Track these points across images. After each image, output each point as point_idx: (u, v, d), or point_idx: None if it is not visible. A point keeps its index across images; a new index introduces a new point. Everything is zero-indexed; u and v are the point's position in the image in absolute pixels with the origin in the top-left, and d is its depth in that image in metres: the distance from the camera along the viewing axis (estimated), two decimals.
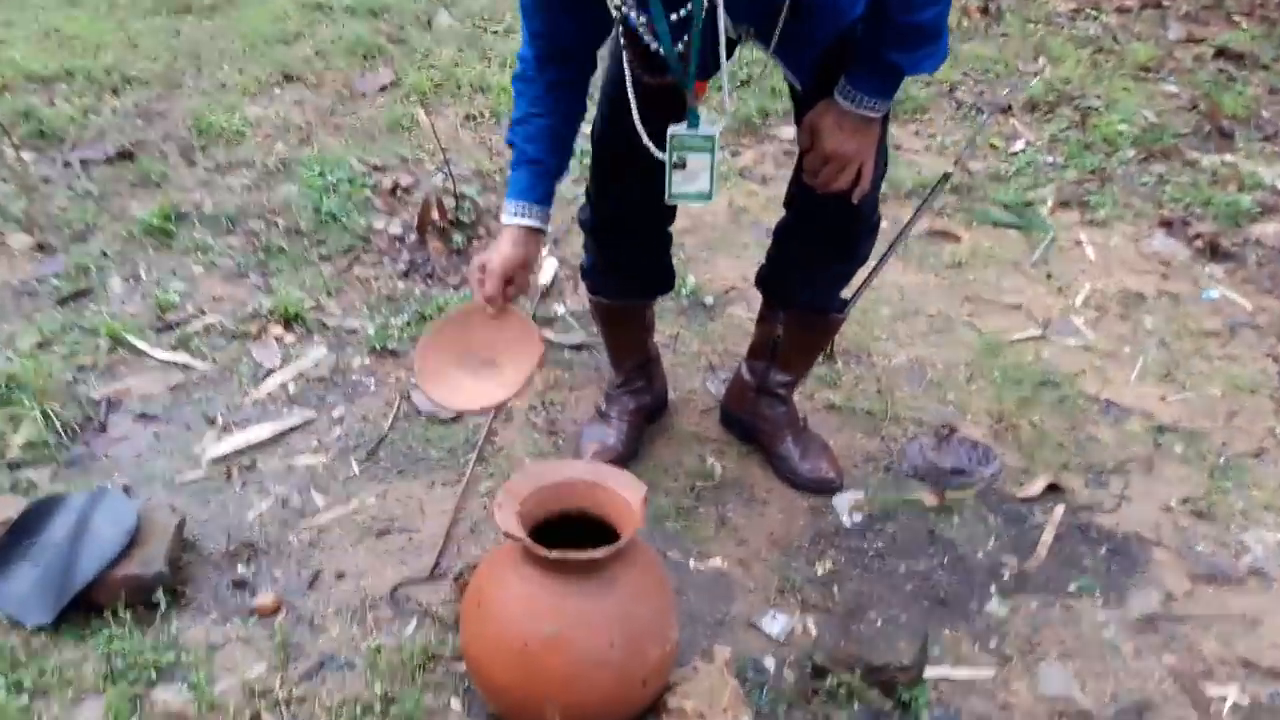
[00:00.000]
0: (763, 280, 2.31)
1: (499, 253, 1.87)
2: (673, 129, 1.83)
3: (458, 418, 2.59)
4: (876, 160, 1.86)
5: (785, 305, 2.28)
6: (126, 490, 2.32)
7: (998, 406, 2.71)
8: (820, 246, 2.08)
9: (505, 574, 1.72)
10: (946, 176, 1.99)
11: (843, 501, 2.39)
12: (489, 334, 1.91)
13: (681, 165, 1.85)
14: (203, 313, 2.93)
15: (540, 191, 1.92)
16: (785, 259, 2.21)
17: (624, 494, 1.78)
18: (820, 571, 2.21)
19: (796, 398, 2.48)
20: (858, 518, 2.35)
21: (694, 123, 1.82)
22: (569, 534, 1.87)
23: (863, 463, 2.51)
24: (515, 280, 1.89)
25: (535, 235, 1.90)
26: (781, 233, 2.19)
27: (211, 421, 2.56)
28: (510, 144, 1.93)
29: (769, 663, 2.00)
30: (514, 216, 1.90)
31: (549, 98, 1.88)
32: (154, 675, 1.89)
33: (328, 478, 2.41)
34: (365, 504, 2.33)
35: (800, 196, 2.02)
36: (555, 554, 1.65)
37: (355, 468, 2.44)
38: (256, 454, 2.47)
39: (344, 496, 2.35)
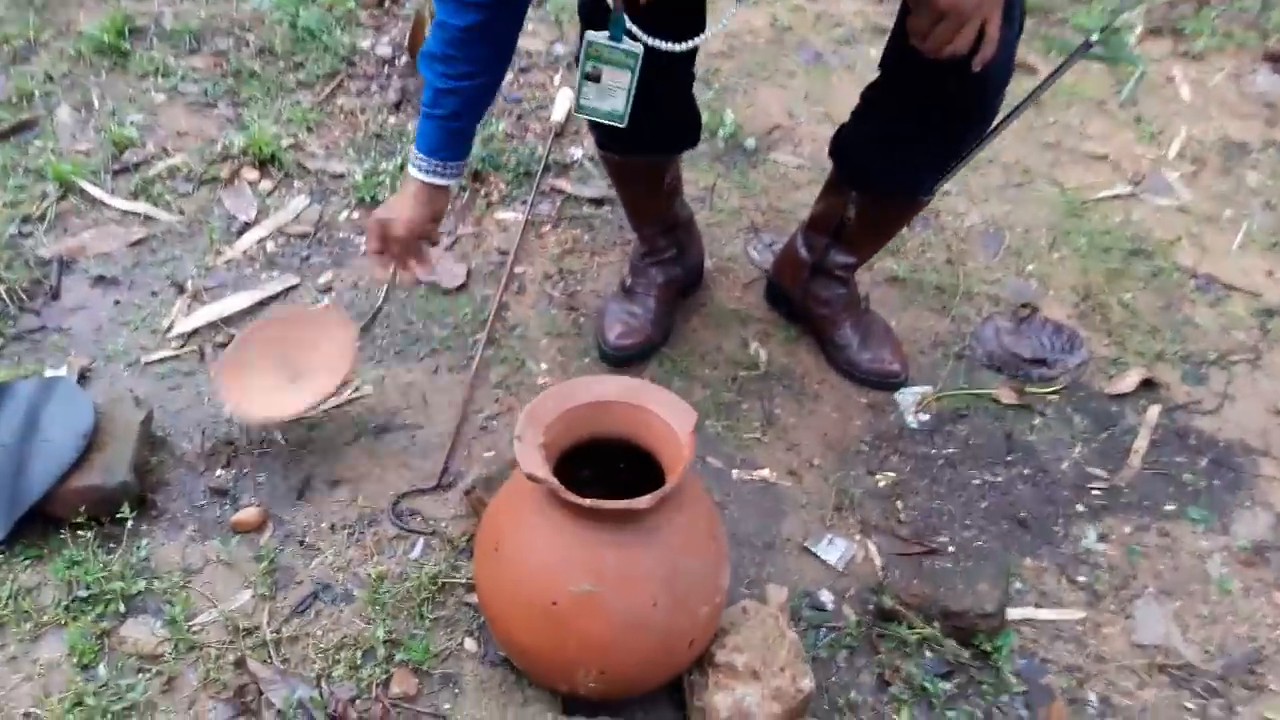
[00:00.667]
0: (840, 150, 1.90)
1: (404, 213, 1.69)
2: (591, 36, 1.53)
3: (463, 288, 2.25)
4: (1009, 12, 1.43)
5: (863, 186, 1.89)
6: (84, 375, 2.01)
7: (1084, 280, 2.36)
8: (920, 124, 1.66)
9: (529, 517, 1.43)
10: (1088, 44, 1.55)
11: (907, 398, 2.08)
12: (306, 336, 1.91)
13: (595, 79, 1.57)
14: (166, 152, 2.53)
15: (456, 149, 1.64)
16: (874, 133, 1.79)
17: (670, 421, 1.47)
18: (882, 483, 1.93)
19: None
20: (924, 417, 2.05)
21: (616, 35, 1.51)
22: (602, 459, 1.57)
23: (930, 348, 2.19)
24: (420, 239, 1.74)
25: (444, 192, 1.71)
26: (872, 100, 1.77)
27: (180, 287, 2.22)
28: (426, 81, 1.58)
29: (826, 598, 1.75)
30: (423, 173, 1.65)
31: (479, 62, 1.55)
32: (122, 607, 1.63)
33: None
34: (361, 392, 2.02)
35: (900, 60, 1.59)
36: (590, 503, 1.35)
37: None
38: (233, 328, 2.14)
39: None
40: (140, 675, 1.56)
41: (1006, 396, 2.09)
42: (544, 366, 2.09)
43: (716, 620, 1.51)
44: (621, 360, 2.08)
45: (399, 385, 2.04)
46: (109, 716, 1.50)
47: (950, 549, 1.82)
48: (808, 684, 1.51)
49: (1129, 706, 1.63)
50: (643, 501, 1.35)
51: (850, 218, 1.94)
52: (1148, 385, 2.13)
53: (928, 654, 1.65)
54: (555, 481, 1.36)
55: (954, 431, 2.03)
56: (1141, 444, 2.02)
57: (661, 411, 1.48)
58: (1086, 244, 2.44)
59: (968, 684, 1.63)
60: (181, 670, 1.57)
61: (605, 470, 1.62)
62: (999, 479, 1.95)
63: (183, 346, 2.09)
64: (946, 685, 1.63)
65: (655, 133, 1.83)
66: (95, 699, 1.51)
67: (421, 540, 1.77)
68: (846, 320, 2.09)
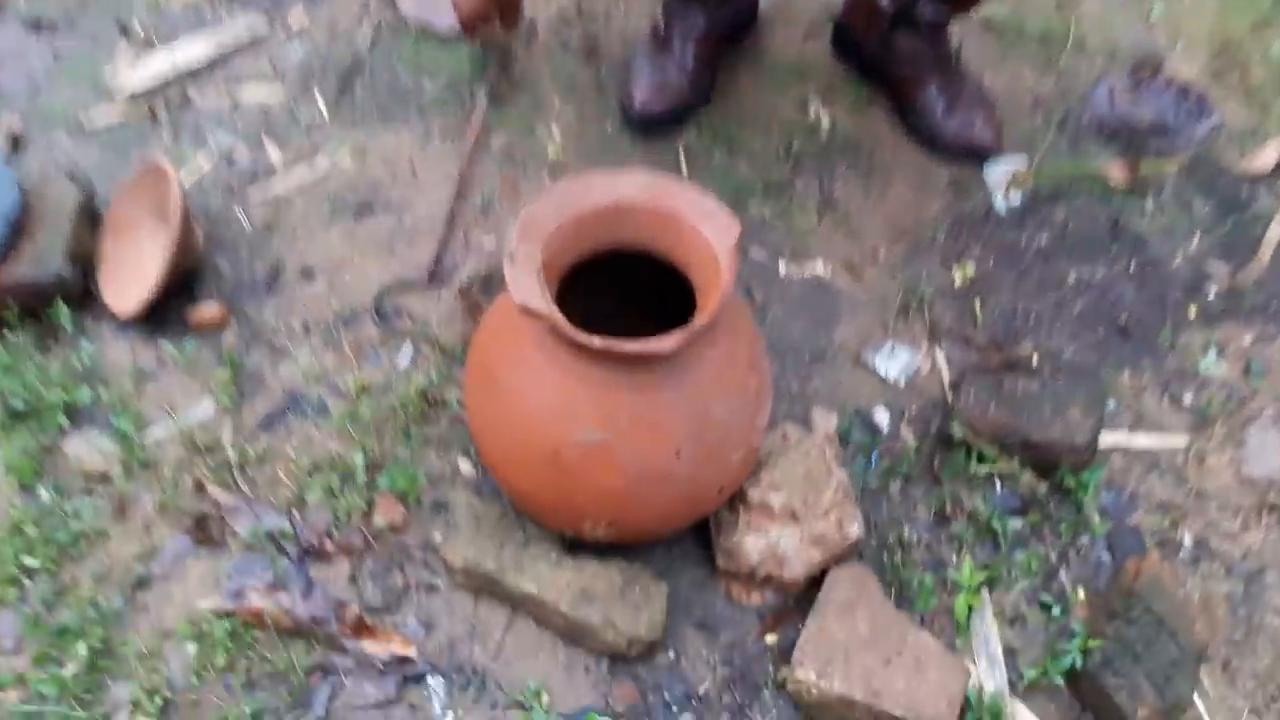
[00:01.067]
0: None
1: None
2: None
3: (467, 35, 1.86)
4: None
5: None
6: (16, 141, 1.71)
7: (1222, 29, 1.91)
8: None
9: (526, 350, 1.15)
10: None
11: (997, 174, 1.72)
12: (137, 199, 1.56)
13: None
14: None
15: None
16: None
17: (707, 234, 1.15)
18: (959, 280, 1.61)
19: None
20: (1016, 198, 1.70)
21: None
22: (618, 266, 1.27)
23: (1029, 112, 1.80)
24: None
25: None
26: None
27: (127, 31, 1.86)
28: None
29: (882, 417, 1.48)
30: None
31: None
32: (64, 420, 1.42)
33: (286, 121, 1.76)
34: (338, 164, 1.70)
35: None
36: (601, 342, 1.06)
37: (323, 108, 1.77)
38: (189, 83, 1.80)
39: (309, 150, 1.72)
40: (87, 498, 1.37)
41: (1116, 174, 1.72)
42: (556, 134, 1.74)
43: (753, 462, 1.26)
44: (650, 126, 1.72)
45: (383, 154, 1.71)
46: (51, 545, 1.32)
47: (1035, 360, 1.52)
48: (855, 530, 1.28)
49: (1228, 552, 1.38)
50: (666, 343, 1.06)
51: None
52: None
53: (998, 486, 1.40)
54: (558, 316, 1.07)
55: (1050, 216, 1.68)
56: (1275, 233, 1.66)
57: (696, 221, 1.15)
58: None
59: (1042, 521, 1.39)
60: (134, 493, 1.37)
61: (621, 277, 1.32)
62: (1099, 275, 1.62)
63: (131, 107, 1.76)
64: (1017, 523, 1.38)
65: None
66: (36, 527, 1.33)
67: (409, 345, 1.51)
68: (933, 80, 1.70)
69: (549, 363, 1.12)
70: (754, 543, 1.28)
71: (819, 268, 1.61)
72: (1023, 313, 1.58)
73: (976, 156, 1.71)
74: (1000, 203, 1.69)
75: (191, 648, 1.25)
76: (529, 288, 1.08)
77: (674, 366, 1.11)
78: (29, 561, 1.30)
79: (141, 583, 1.31)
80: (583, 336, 1.05)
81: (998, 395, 1.41)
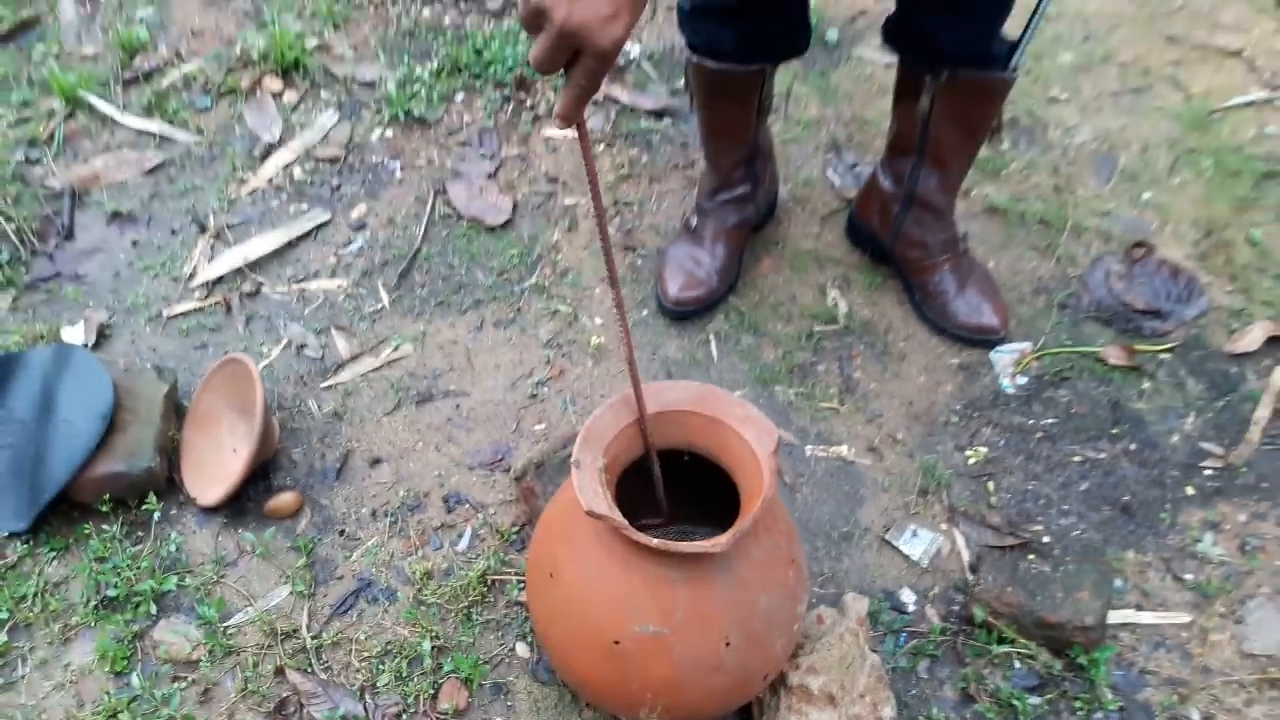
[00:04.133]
0: (896, 26, 1.65)
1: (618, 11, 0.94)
2: None
3: (508, 224, 2.03)
4: None
5: (931, 56, 1.62)
6: (103, 333, 1.86)
7: (1206, 212, 2.07)
8: None
9: (588, 547, 1.28)
10: None
11: (1004, 358, 1.87)
12: (220, 389, 1.73)
13: None
14: (179, 57, 2.29)
15: None
16: None
17: (749, 438, 1.29)
18: (973, 460, 1.75)
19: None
20: (1022, 381, 1.84)
21: None
22: (666, 464, 1.40)
23: (1031, 296, 1.95)
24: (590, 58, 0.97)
25: None
26: None
27: (202, 225, 2.04)
28: None
29: (908, 597, 1.60)
30: None
31: None
32: (154, 608, 1.54)
33: (351, 311, 1.92)
34: (400, 352, 1.85)
35: None
36: (660, 543, 1.19)
37: (385, 297, 1.94)
38: (259, 274, 1.96)
39: (372, 340, 1.87)
40: (175, 684, 1.48)
41: (1115, 357, 1.86)
42: (599, 322, 1.90)
43: (792, 646, 1.37)
44: (683, 315, 1.88)
45: (440, 343, 1.87)
46: None
47: (1045, 539, 1.65)
48: (889, 712, 1.39)
49: None
50: (719, 544, 1.19)
51: (929, 113, 1.67)
52: (1275, 342, 1.89)
53: (1016, 664, 1.51)
54: (621, 519, 1.20)
55: (1054, 398, 1.82)
56: (1263, 414, 1.80)
57: (739, 426, 1.30)
58: (1212, 165, 2.14)
59: (1059, 698, 1.49)
60: (218, 679, 1.49)
61: (666, 462, 1.45)
62: (1102, 455, 1.76)
63: (207, 297, 1.93)
64: (1035, 700, 1.49)
65: (765, 30, 1.61)
66: (130, 713, 1.44)
67: (469, 530, 1.64)
68: (945, 264, 1.86)
69: (610, 559, 1.25)
70: None
71: (844, 450, 1.75)
72: (1033, 494, 1.71)
73: (985, 341, 1.86)
74: (1008, 385, 1.83)
75: None
76: (594, 493, 1.21)
77: (723, 562, 1.23)
78: None
79: None
80: (644, 538, 1.18)
81: (1014, 577, 1.53)
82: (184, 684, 1.48)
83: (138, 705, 1.45)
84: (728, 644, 1.25)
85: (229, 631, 1.53)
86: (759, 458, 1.27)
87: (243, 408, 1.66)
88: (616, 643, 1.25)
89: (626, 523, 1.20)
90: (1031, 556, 1.56)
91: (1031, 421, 1.79)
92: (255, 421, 1.59)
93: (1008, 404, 1.81)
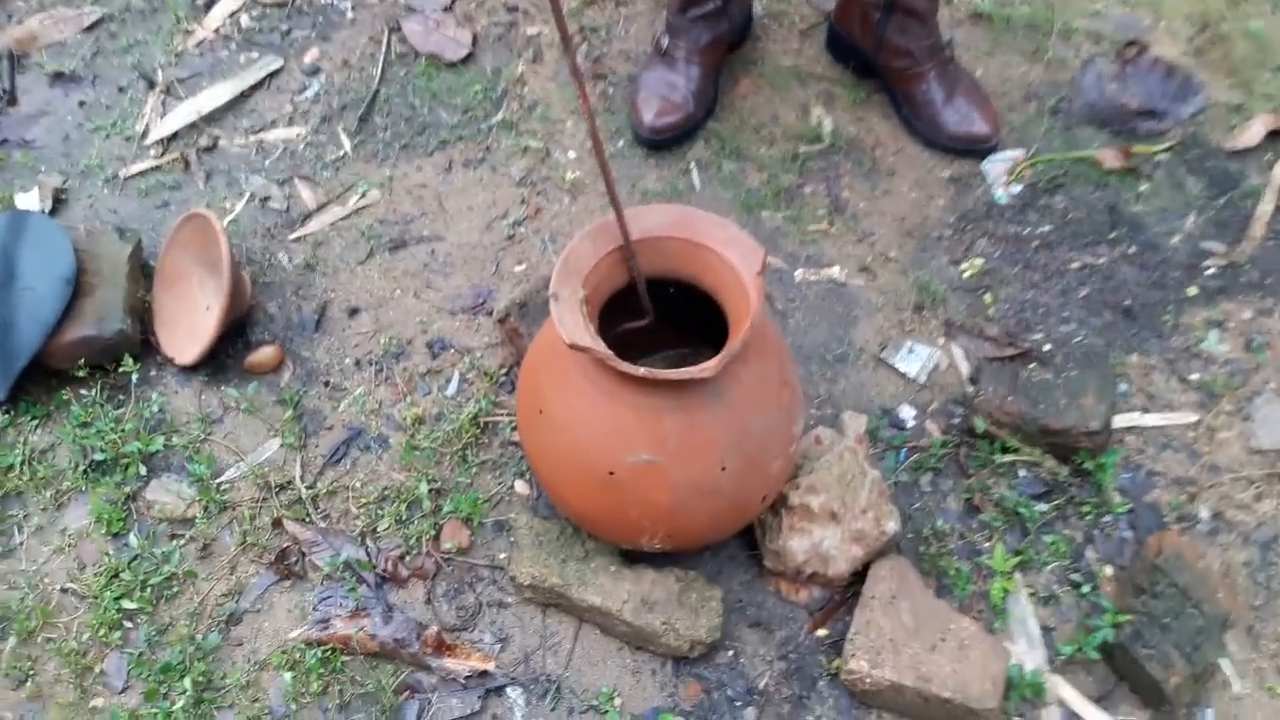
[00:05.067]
0: None
1: None
2: None
3: (469, 59, 1.93)
4: None
5: None
6: (59, 198, 1.78)
7: (1200, 7, 1.98)
8: None
9: (575, 381, 1.24)
10: None
11: (996, 167, 1.80)
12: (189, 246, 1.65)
13: None
14: None
15: None
16: None
17: (734, 260, 1.24)
18: (968, 273, 1.70)
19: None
20: (1016, 190, 1.79)
21: None
22: (652, 293, 1.36)
23: (1021, 103, 1.87)
24: None
25: None
26: None
27: (150, 81, 1.92)
28: None
29: (906, 413, 1.58)
30: None
31: None
32: (143, 469, 1.51)
33: (313, 160, 1.83)
34: (368, 199, 1.78)
35: None
36: (646, 372, 1.16)
37: (346, 143, 1.85)
38: (215, 127, 1.86)
39: (337, 188, 1.79)
40: (174, 542, 1.46)
41: (1110, 160, 1.80)
42: (572, 155, 1.82)
43: (790, 468, 1.36)
44: (661, 144, 1.80)
45: (408, 187, 1.79)
46: (149, 589, 1.42)
47: (1046, 347, 1.62)
48: (892, 526, 1.38)
49: (1244, 522, 1.49)
50: (706, 369, 1.15)
51: None
52: (1276, 136, 1.82)
53: (1021, 473, 1.50)
54: (604, 349, 1.16)
55: (1049, 205, 1.77)
56: (1266, 209, 1.76)
57: (723, 249, 1.24)
58: None
59: (1066, 504, 1.49)
60: (216, 534, 1.47)
61: (653, 293, 1.41)
62: (1101, 260, 1.71)
63: (163, 154, 1.83)
64: (1043, 507, 1.49)
65: None
66: (132, 572, 1.42)
67: (457, 374, 1.60)
68: (930, 71, 1.77)
69: (597, 392, 1.21)
70: (798, 543, 1.39)
71: (835, 272, 1.70)
72: (1031, 303, 1.67)
73: (977, 150, 1.80)
74: (1001, 195, 1.78)
75: (287, 676, 1.35)
76: (575, 325, 1.17)
77: (713, 388, 1.20)
78: (128, 605, 1.40)
79: (233, 618, 1.41)
80: (629, 367, 1.14)
81: (1015, 386, 1.51)
82: (183, 541, 1.46)
83: (139, 564, 1.44)
84: (723, 468, 1.23)
85: (222, 487, 1.50)
86: (744, 280, 1.22)
87: (210, 263, 1.59)
88: (611, 473, 1.23)
89: (611, 353, 1.16)
90: (1032, 365, 1.54)
91: (1027, 230, 1.74)
92: (224, 276, 1.52)
93: (1002, 214, 1.76)
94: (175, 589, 1.43)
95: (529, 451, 1.34)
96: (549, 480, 1.32)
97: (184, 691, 1.34)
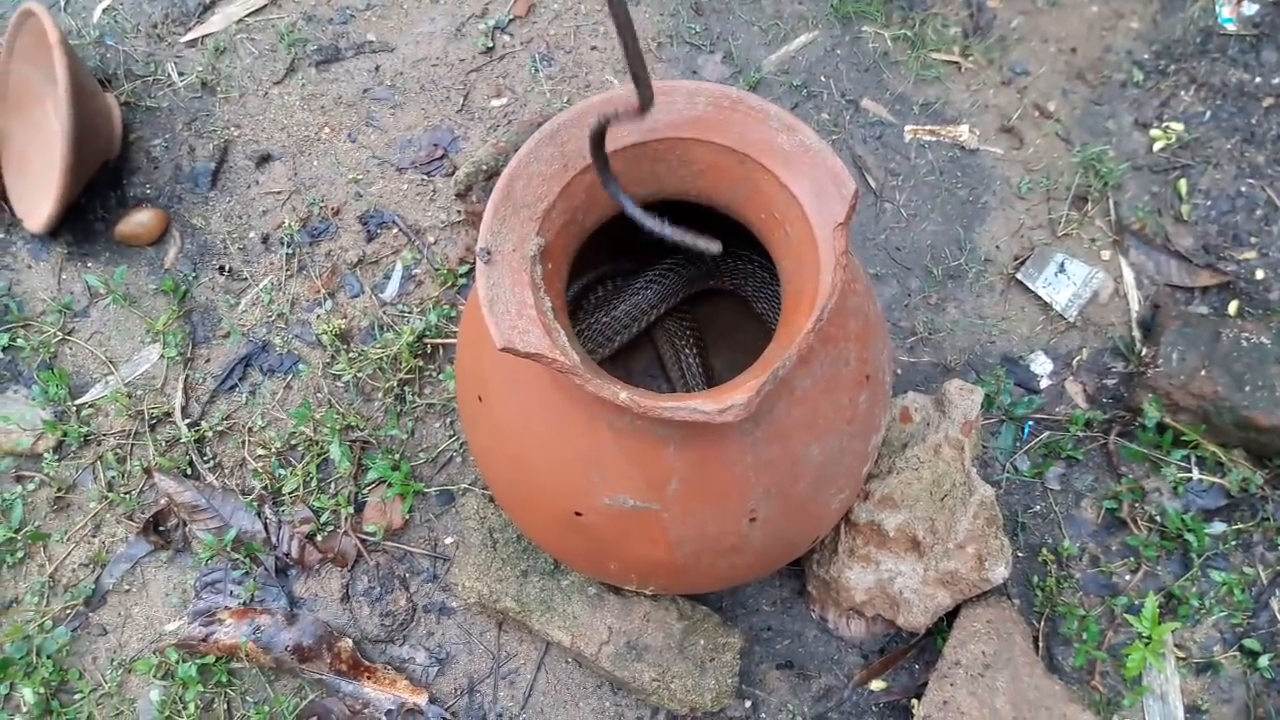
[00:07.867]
0: None
1: None
2: None
3: None
4: None
5: None
6: None
7: None
8: None
9: (525, 375, 0.78)
10: None
11: None
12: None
13: None
14: None
15: None
16: None
17: (799, 191, 0.72)
18: (1161, 144, 1.14)
19: None
20: (1251, 8, 1.17)
21: None
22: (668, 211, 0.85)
23: None
24: None
25: None
26: None
27: None
28: None
29: (1042, 366, 1.09)
30: None
31: None
32: None
33: None
34: None
35: None
36: (632, 400, 0.69)
37: None
38: None
39: None
40: (19, 486, 1.09)
41: None
42: None
43: (859, 491, 0.91)
44: None
45: None
46: None
47: (1259, 274, 1.09)
48: (1000, 572, 0.94)
49: None
50: (732, 408, 0.68)
51: None
52: None
53: (1196, 477, 1.03)
54: (565, 356, 0.69)
55: None
56: None
57: (783, 170, 0.72)
58: None
59: (1253, 528, 1.03)
60: (74, 479, 1.10)
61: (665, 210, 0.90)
62: None
63: None
64: (1218, 528, 1.03)
65: None
66: None
67: (399, 267, 1.14)
68: None
69: (561, 397, 0.76)
70: (859, 576, 0.97)
71: (962, 132, 1.14)
72: (1247, 200, 1.12)
73: None
74: (1227, 17, 1.16)
75: (155, 694, 1.02)
76: (516, 311, 0.69)
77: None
78: None
79: (94, 599, 1.06)
80: (606, 389, 0.68)
81: (1211, 351, 1.00)
82: (30, 486, 1.09)
83: None
84: (753, 519, 0.79)
85: (84, 412, 1.11)
86: (814, 229, 0.71)
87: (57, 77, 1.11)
88: (578, 514, 0.80)
89: (576, 361, 0.69)
90: (1237, 313, 1.02)
91: (1259, 80, 1.15)
92: (63, 102, 1.05)
93: (1224, 48, 1.16)
94: (19, 553, 1.08)
95: (471, 448, 0.90)
96: (498, 495, 0.90)
97: (25, 700, 1.02)
